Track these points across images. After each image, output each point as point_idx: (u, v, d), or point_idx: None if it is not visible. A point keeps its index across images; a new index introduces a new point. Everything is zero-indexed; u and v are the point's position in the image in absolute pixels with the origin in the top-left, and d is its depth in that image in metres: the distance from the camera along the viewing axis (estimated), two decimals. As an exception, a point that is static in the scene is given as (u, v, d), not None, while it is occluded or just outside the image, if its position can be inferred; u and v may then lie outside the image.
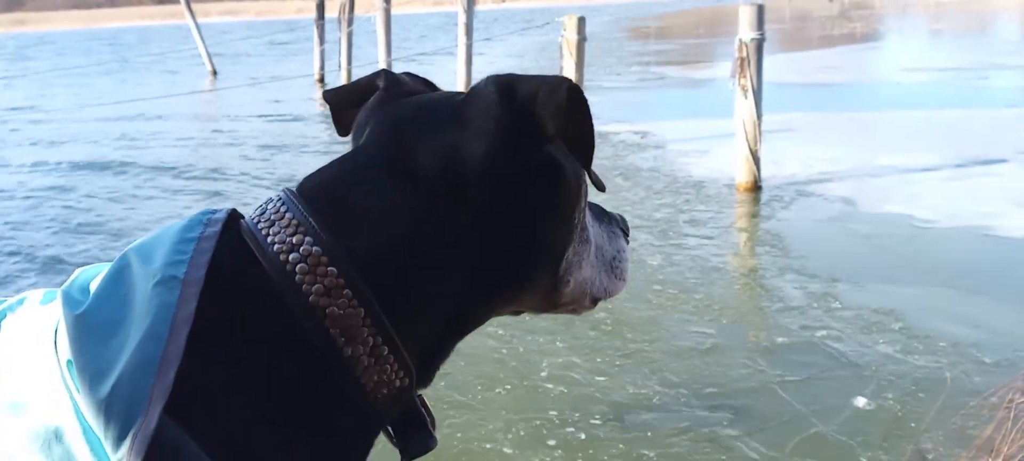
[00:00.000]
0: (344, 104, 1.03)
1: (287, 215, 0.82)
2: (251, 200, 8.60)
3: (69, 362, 0.69)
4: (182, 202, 8.79)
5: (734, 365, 4.40)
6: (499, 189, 0.86)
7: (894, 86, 14.92)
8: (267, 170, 10.27)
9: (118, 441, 0.63)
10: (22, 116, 17.17)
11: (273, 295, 0.77)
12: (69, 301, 0.75)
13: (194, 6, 25.13)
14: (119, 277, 0.76)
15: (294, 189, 0.87)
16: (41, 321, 0.76)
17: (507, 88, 0.89)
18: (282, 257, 0.79)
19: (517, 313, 1.06)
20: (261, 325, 0.76)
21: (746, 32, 7.60)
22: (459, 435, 3.85)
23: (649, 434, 3.79)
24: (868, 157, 9.05)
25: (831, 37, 26.90)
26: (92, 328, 0.71)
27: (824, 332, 4.71)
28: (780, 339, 4.67)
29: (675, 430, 3.80)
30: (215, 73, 24.40)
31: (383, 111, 0.95)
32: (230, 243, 0.80)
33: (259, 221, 0.83)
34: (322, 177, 0.88)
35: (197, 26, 24.90)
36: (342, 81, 17.48)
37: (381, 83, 1.00)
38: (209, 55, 24.83)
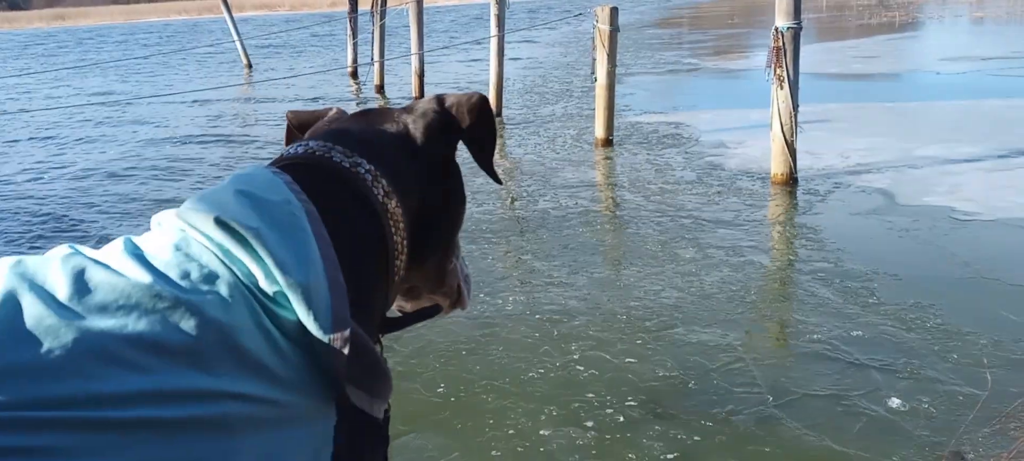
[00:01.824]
0: (302, 124, 1.27)
1: (336, 148, 1.07)
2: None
3: (217, 218, 0.85)
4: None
5: (767, 358, 4.36)
6: (433, 157, 1.19)
7: (934, 76, 14.63)
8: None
9: (325, 325, 0.83)
10: (102, 101, 17.49)
11: (360, 198, 1.03)
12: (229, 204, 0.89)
13: (230, 1, 25.38)
14: (250, 200, 0.89)
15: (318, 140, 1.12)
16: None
17: (440, 97, 1.23)
18: (355, 171, 1.05)
19: (412, 294, 1.30)
20: (365, 223, 1.03)
21: (782, 21, 7.50)
22: (491, 421, 3.87)
23: (686, 419, 3.77)
24: (907, 149, 8.89)
25: (869, 26, 26.46)
26: (268, 227, 0.86)
27: (860, 329, 4.63)
28: (814, 334, 4.61)
29: (710, 417, 3.78)
30: (250, 67, 24.63)
31: (349, 116, 1.24)
32: (312, 175, 1.02)
33: (326, 152, 1.08)
34: (331, 135, 1.12)
35: (233, 21, 25.15)
36: (375, 74, 17.61)
37: (334, 113, 1.26)
38: (244, 49, 25.07)
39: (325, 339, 0.82)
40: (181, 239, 0.83)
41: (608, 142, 10.17)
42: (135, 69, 26.49)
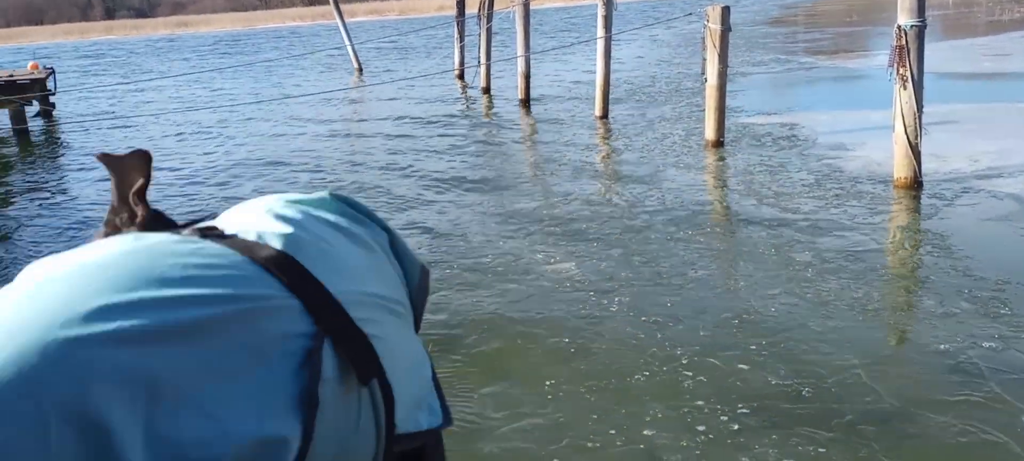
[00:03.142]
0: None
1: None
2: (390, 177, 8.91)
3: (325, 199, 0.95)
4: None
5: (889, 369, 4.20)
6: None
7: (1075, 74, 13.74)
8: (398, 151, 10.59)
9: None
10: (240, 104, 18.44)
11: None
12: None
13: (342, 7, 26.16)
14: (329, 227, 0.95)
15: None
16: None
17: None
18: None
19: None
20: None
21: (905, 18, 7.20)
22: (595, 417, 3.88)
23: (801, 429, 3.68)
24: (1044, 151, 8.40)
25: (1000, 22, 25.08)
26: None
27: (990, 342, 4.41)
28: (941, 346, 4.41)
29: (828, 428, 3.67)
30: (361, 70, 25.34)
31: None
32: None
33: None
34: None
35: (345, 26, 25.92)
36: (482, 76, 17.85)
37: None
38: (355, 53, 25.81)
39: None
40: None
41: (719, 143, 9.99)
42: (251, 73, 27.63)
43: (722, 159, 9.49)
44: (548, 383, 4.26)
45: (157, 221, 0.98)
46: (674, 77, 17.75)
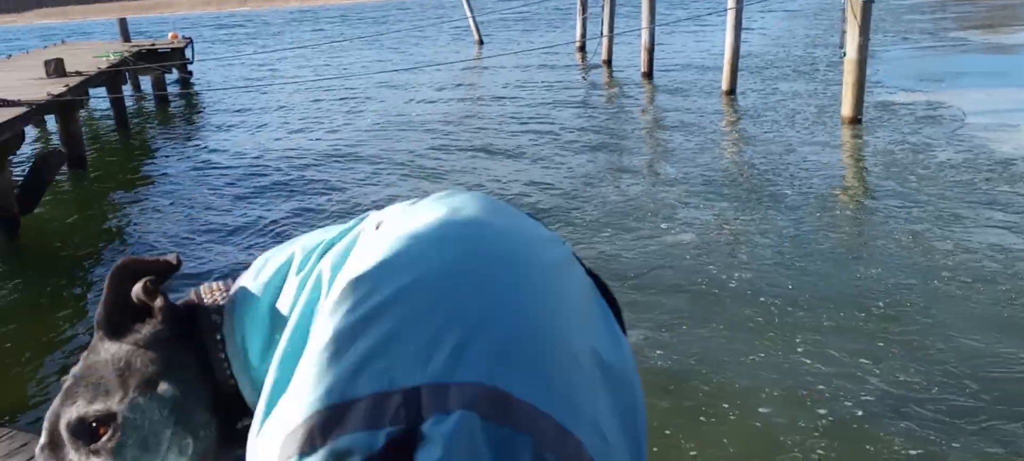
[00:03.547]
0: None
1: None
2: (510, 156, 8.92)
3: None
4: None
5: (1039, 369, 3.90)
6: None
7: None
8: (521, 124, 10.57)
9: None
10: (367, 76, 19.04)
11: None
12: None
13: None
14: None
15: None
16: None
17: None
18: None
19: None
20: None
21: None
22: (706, 390, 3.81)
23: (931, 423, 3.49)
24: None
25: None
26: None
27: None
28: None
29: (962, 426, 3.45)
30: (482, 42, 25.48)
31: None
32: None
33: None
34: None
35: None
36: (603, 48, 17.62)
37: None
38: (477, 25, 25.97)
39: None
40: None
41: (856, 121, 9.53)
42: (377, 43, 28.26)
43: (859, 137, 9.05)
44: (658, 352, 4.20)
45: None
46: (809, 51, 17.04)
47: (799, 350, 4.21)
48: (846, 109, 9.66)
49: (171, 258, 1.15)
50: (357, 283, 0.88)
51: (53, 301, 6.01)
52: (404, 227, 0.95)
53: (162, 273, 1.13)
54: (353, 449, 0.75)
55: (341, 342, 0.82)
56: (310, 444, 0.76)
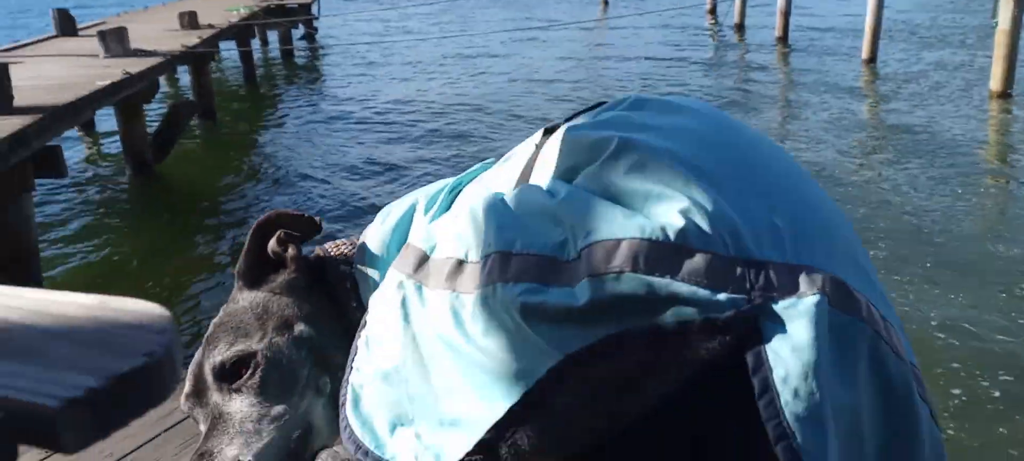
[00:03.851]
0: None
1: None
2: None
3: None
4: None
5: None
6: None
7: None
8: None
9: None
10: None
11: None
12: None
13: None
14: None
15: None
16: None
17: None
18: None
19: None
20: None
21: None
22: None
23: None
24: None
25: None
26: None
27: None
28: None
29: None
30: (607, 3, 25.13)
31: None
32: None
33: None
34: None
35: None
36: (735, 11, 17.04)
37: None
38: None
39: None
40: None
41: (1005, 95, 8.90)
42: (502, 3, 28.26)
43: (1008, 112, 8.46)
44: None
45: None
46: (958, 18, 16.02)
47: (935, 324, 4.02)
48: (995, 83, 9.04)
49: (314, 218, 1.25)
50: (643, 145, 0.88)
51: (183, 245, 6.31)
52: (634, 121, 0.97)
53: (304, 231, 1.23)
54: (693, 300, 0.76)
55: (665, 174, 0.84)
56: (630, 265, 0.78)
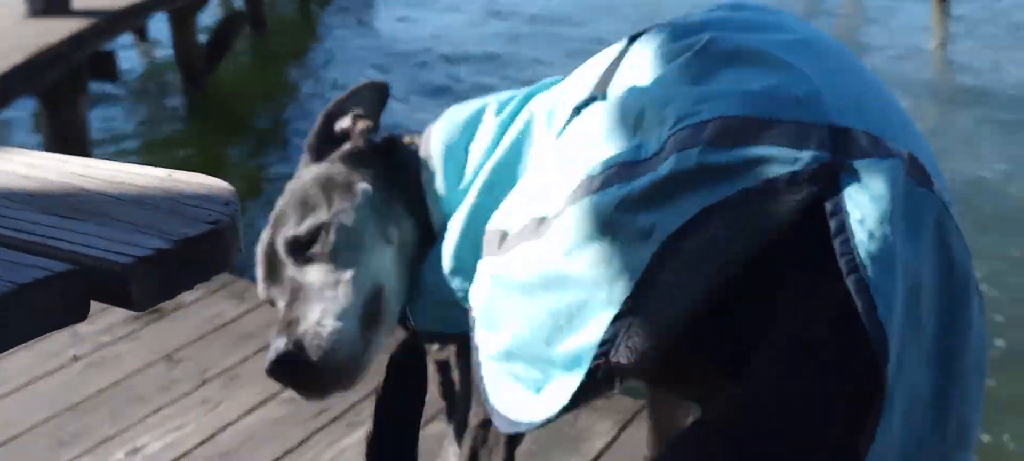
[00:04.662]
0: None
1: None
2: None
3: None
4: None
5: None
6: None
7: None
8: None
9: None
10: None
11: None
12: None
13: None
14: None
15: None
16: None
17: None
18: None
19: None
20: None
21: None
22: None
23: None
24: None
25: None
26: None
27: None
28: None
29: None
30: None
31: None
32: None
33: None
34: None
35: None
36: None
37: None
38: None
39: None
40: None
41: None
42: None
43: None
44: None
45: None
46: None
47: (979, 276, 3.91)
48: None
49: (382, 82, 1.36)
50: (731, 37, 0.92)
51: (233, 156, 6.43)
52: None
53: (376, 103, 1.32)
54: (775, 158, 0.79)
55: (756, 59, 0.88)
56: (718, 140, 0.81)
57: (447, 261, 1.14)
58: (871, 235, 0.75)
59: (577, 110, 1.03)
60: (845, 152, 0.79)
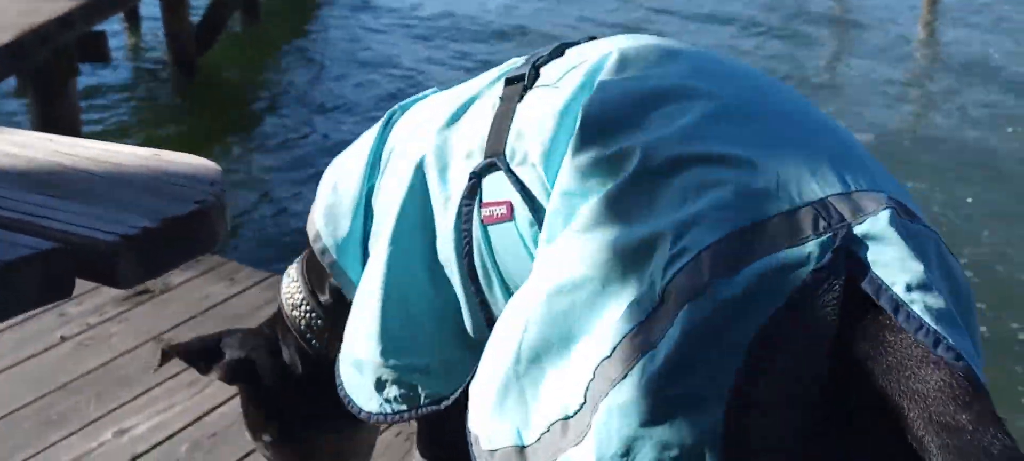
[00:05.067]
0: None
1: None
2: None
3: None
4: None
5: None
6: None
7: None
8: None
9: None
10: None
11: None
12: None
13: None
14: None
15: None
16: None
17: None
18: None
19: None
20: None
21: None
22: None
23: None
24: None
25: None
26: None
27: None
28: None
29: None
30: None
31: None
32: None
33: None
34: None
35: None
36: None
37: None
38: None
39: None
40: None
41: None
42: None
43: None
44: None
45: None
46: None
47: (964, 262, 3.95)
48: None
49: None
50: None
51: (223, 140, 6.40)
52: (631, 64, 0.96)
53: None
54: (788, 264, 0.74)
55: (701, 160, 0.82)
56: (722, 269, 0.74)
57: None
58: (926, 305, 0.72)
59: (477, 175, 0.99)
60: (839, 222, 0.76)
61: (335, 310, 1.21)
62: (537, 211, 0.93)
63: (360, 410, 1.11)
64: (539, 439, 0.80)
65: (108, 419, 2.08)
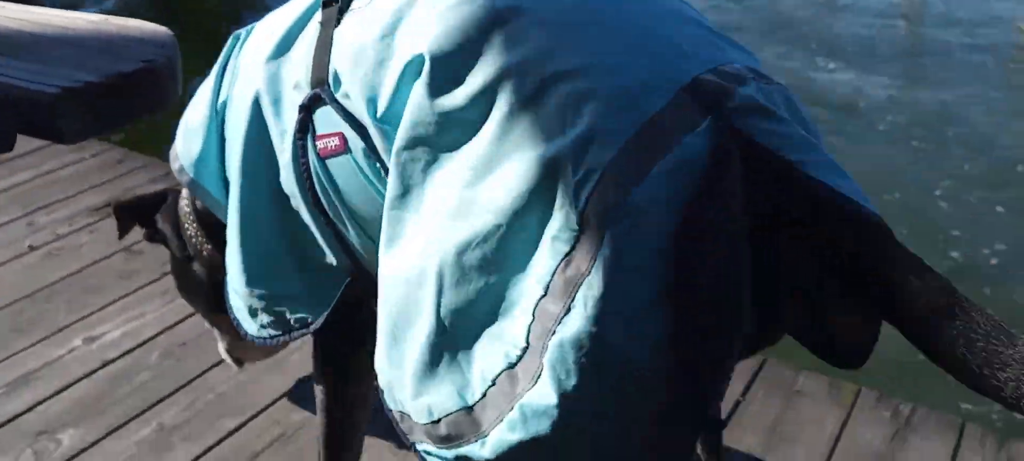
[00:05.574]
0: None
1: None
2: None
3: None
4: None
5: None
6: None
7: None
8: None
9: None
10: None
11: None
12: None
13: None
14: None
15: None
16: None
17: None
18: None
19: None
20: None
21: None
22: None
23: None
24: None
25: None
26: None
27: None
28: None
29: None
30: None
31: None
32: None
33: None
34: None
35: None
36: None
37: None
38: None
39: None
40: None
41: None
42: None
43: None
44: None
45: None
46: None
47: (937, 194, 3.97)
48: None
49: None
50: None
51: (206, 64, 6.29)
52: None
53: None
54: (684, 156, 0.75)
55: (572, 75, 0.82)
56: (631, 179, 0.74)
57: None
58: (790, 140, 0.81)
59: (305, 108, 0.97)
60: (715, 98, 0.79)
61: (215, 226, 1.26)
62: (369, 142, 0.91)
63: (246, 333, 1.18)
64: (485, 395, 0.79)
65: (78, 326, 2.07)
